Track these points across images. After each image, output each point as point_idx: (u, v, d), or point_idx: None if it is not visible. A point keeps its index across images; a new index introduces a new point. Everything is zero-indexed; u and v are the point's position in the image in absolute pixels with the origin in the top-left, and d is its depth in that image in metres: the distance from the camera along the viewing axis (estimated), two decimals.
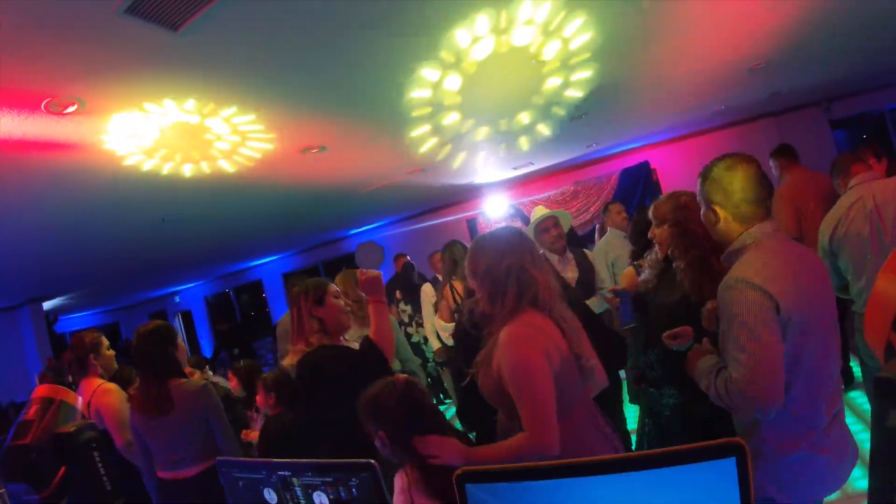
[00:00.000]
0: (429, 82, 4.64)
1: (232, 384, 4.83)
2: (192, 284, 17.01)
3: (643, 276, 3.43)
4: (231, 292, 16.81)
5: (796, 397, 1.96)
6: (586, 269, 4.83)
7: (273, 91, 4.14)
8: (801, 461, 1.99)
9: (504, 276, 2.14)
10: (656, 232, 3.16)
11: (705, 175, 2.15)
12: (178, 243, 9.00)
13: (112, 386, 3.86)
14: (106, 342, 4.10)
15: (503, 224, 9.85)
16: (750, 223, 2.07)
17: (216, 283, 16.84)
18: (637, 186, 11.03)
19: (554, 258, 4.67)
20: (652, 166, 11.10)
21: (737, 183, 2.06)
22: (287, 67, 3.80)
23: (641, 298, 3.47)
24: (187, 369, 4.52)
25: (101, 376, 3.94)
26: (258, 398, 3.85)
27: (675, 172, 10.71)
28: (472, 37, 4.02)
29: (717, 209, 2.11)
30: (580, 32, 4.36)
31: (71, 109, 3.51)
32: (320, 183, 7.33)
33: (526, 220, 8.57)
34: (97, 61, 3.10)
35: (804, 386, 1.96)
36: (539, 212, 4.91)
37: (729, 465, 1.07)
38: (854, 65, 7.40)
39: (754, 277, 1.91)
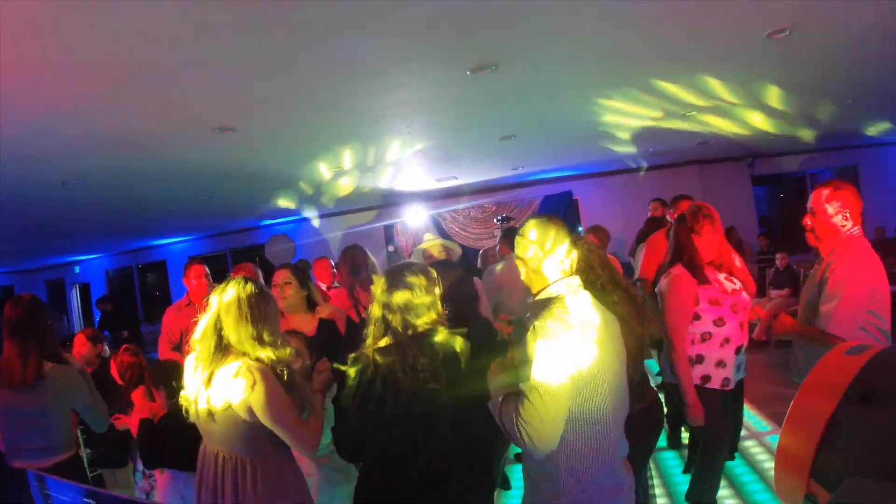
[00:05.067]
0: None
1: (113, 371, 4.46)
2: (95, 256, 16.26)
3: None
4: (134, 269, 16.09)
5: None
6: None
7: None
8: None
9: None
10: None
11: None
12: (78, 210, 8.45)
13: None
14: None
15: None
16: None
17: (119, 258, 16.10)
18: (558, 214, 11.16)
19: None
20: (574, 197, 11.30)
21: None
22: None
23: None
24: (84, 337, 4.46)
25: None
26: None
27: (596, 205, 10.94)
28: None
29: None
30: None
31: None
32: (233, 166, 7.00)
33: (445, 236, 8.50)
34: None
35: None
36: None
37: None
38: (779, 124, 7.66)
39: None
